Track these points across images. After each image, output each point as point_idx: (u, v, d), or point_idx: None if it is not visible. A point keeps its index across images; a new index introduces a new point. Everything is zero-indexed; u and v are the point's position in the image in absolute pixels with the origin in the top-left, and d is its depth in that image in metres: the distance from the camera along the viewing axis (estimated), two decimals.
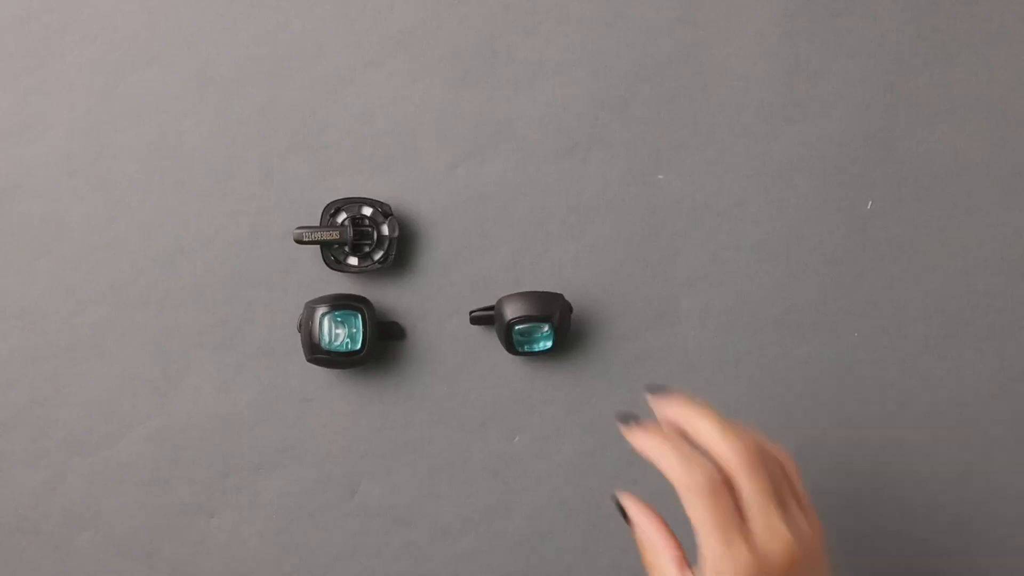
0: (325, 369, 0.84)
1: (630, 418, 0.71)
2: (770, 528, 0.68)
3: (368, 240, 0.83)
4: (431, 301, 0.85)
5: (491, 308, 0.83)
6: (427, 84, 0.84)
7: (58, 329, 0.84)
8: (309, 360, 0.82)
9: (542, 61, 0.85)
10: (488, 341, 0.84)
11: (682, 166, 0.85)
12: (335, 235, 0.81)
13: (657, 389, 0.71)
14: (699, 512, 0.67)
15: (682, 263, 0.85)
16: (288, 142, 0.84)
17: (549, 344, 0.82)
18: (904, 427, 0.86)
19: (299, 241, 0.81)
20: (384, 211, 0.83)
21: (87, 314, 0.84)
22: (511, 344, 0.82)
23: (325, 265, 0.83)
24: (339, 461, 0.85)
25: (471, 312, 0.83)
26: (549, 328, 0.82)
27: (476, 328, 0.85)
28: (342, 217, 0.83)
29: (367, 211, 0.83)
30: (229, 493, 0.85)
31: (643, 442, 0.70)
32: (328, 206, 0.83)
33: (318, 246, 0.83)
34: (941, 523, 0.86)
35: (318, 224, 0.83)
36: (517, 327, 0.81)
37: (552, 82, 0.85)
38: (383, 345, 0.84)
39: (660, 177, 0.85)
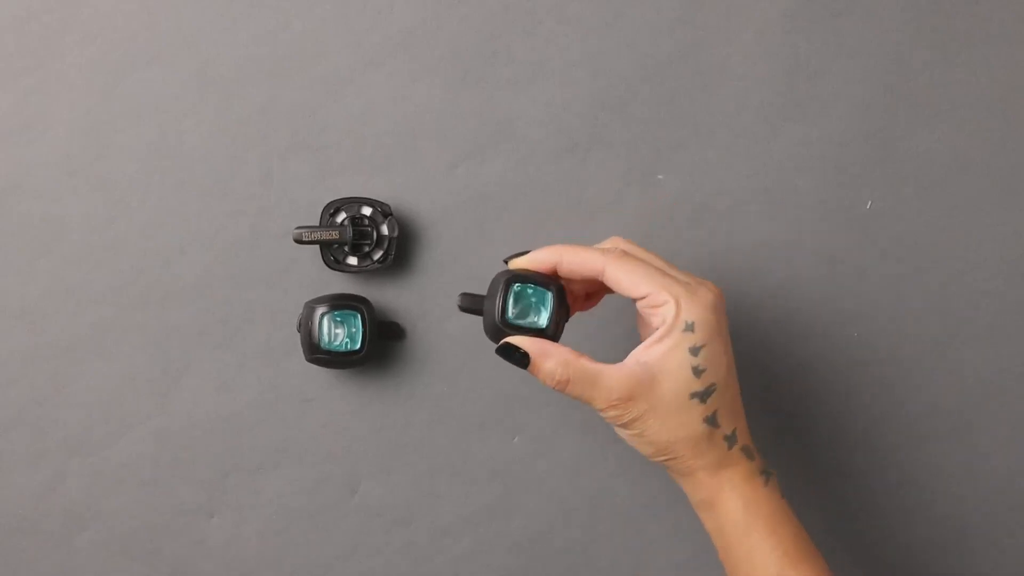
0: (325, 369, 0.84)
1: (511, 256, 0.73)
2: (692, 276, 0.72)
3: (368, 240, 0.83)
4: (431, 301, 0.85)
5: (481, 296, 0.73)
6: (427, 84, 0.84)
7: (58, 329, 0.84)
8: (309, 360, 0.82)
9: (542, 61, 0.85)
10: (488, 341, 0.84)
11: (682, 166, 0.85)
12: (335, 235, 0.81)
13: (512, 256, 0.73)
14: (642, 273, 0.70)
15: (682, 263, 0.85)
16: (288, 142, 0.84)
17: (545, 320, 0.71)
18: (904, 427, 0.86)
19: (298, 241, 0.81)
20: (384, 211, 0.83)
21: (87, 314, 0.84)
22: (504, 313, 0.71)
23: (325, 265, 0.83)
24: (339, 461, 0.85)
25: (460, 295, 0.74)
26: (550, 299, 0.71)
27: (476, 328, 0.85)
28: (342, 217, 0.83)
29: (367, 211, 0.83)
30: (229, 493, 0.85)
31: (545, 255, 0.71)
32: (328, 206, 0.83)
33: (318, 246, 0.83)
34: (941, 523, 0.86)
35: (318, 224, 0.83)
36: (516, 285, 0.71)
37: (552, 82, 0.85)
38: (383, 345, 0.84)
39: (660, 177, 0.85)
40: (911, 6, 0.85)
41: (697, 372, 0.69)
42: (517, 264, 0.72)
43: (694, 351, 0.68)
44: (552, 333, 0.71)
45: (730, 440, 0.70)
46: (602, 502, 0.85)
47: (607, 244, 0.73)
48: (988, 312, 0.86)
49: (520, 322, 0.71)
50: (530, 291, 0.71)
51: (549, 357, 0.69)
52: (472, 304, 0.73)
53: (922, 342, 0.86)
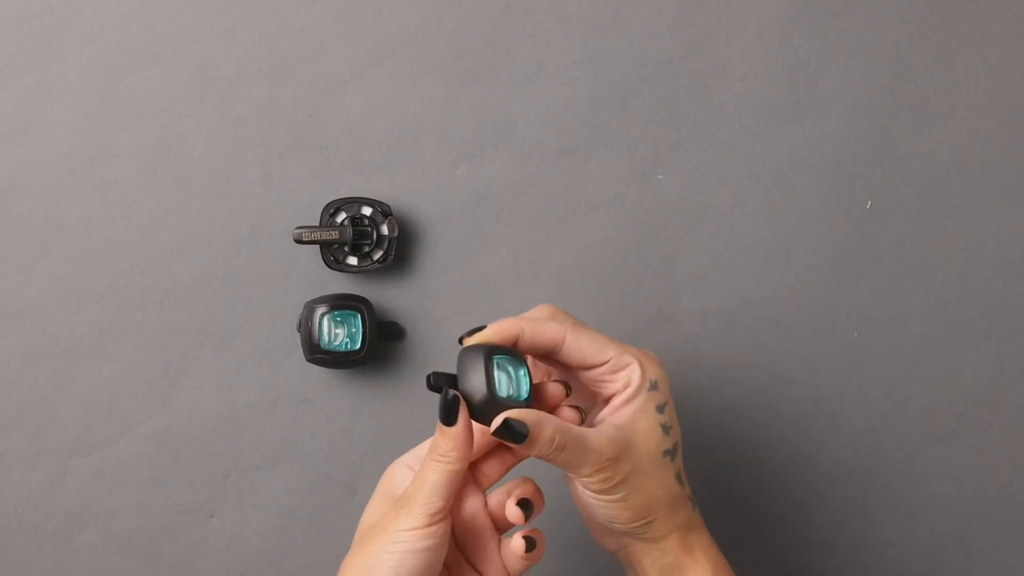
0: (325, 369, 0.84)
1: (466, 334, 0.68)
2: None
3: (368, 240, 0.83)
4: (431, 301, 0.85)
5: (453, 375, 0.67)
6: (427, 84, 0.84)
7: (58, 329, 0.84)
8: (309, 360, 0.82)
9: (542, 61, 0.85)
10: None
11: (682, 166, 0.85)
12: (335, 235, 0.81)
13: (469, 333, 0.68)
14: (599, 340, 0.68)
15: (682, 263, 0.85)
16: (288, 142, 0.84)
17: (526, 390, 0.67)
18: (904, 427, 0.86)
19: (298, 241, 0.81)
20: (384, 211, 0.83)
21: (87, 314, 0.84)
22: (493, 389, 0.65)
23: (325, 265, 0.83)
24: (339, 461, 0.85)
25: (431, 375, 0.67)
26: (526, 368, 0.68)
27: None
28: (342, 217, 0.83)
29: (367, 211, 0.83)
30: (229, 493, 0.85)
31: (507, 327, 0.67)
32: (328, 206, 0.83)
33: (318, 246, 0.83)
34: (941, 523, 0.86)
35: (318, 224, 0.83)
36: (496, 358, 0.66)
37: (552, 82, 0.85)
38: (383, 345, 0.84)
39: (660, 177, 0.85)
40: (911, 6, 0.85)
41: (666, 429, 0.68)
42: (482, 338, 0.67)
43: (660, 409, 0.68)
44: (530, 403, 0.67)
45: (692, 501, 0.70)
46: None
47: (537, 312, 0.70)
48: (988, 312, 0.86)
49: (504, 396, 0.66)
50: (507, 362, 0.67)
51: (545, 426, 0.64)
52: (446, 382, 0.67)
53: (922, 342, 0.86)
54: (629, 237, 0.85)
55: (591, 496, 0.67)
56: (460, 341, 0.69)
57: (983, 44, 0.85)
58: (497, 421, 0.64)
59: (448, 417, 0.66)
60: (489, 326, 0.68)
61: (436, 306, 0.85)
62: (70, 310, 0.84)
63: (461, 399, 0.66)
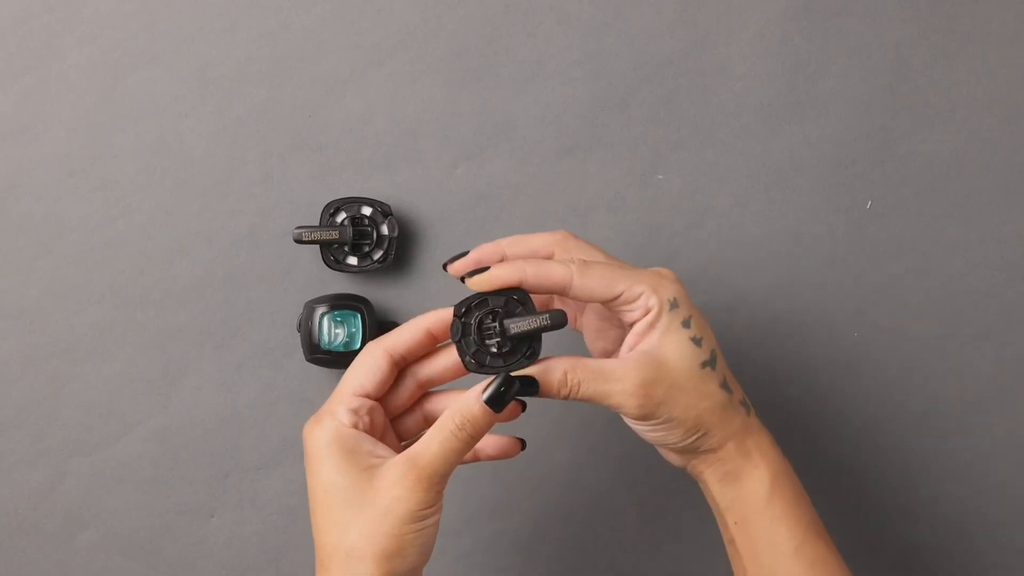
0: (325, 369, 0.84)
1: (457, 259, 0.70)
2: (648, 266, 0.70)
3: (368, 240, 0.83)
4: (431, 301, 0.85)
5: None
6: (427, 84, 0.84)
7: (58, 329, 0.84)
8: (309, 360, 0.82)
9: (542, 61, 0.85)
10: None
11: (682, 166, 0.85)
12: (335, 235, 0.81)
13: (457, 261, 0.70)
14: (609, 274, 0.67)
15: (682, 263, 0.85)
16: (288, 142, 0.84)
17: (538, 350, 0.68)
18: (904, 427, 0.86)
19: (298, 241, 0.81)
20: (384, 211, 0.83)
21: (87, 314, 0.84)
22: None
23: (325, 265, 0.83)
24: None
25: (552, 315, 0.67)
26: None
27: None
28: (342, 217, 0.83)
29: (367, 211, 0.83)
30: (229, 493, 0.85)
31: (508, 273, 0.67)
32: (328, 206, 0.83)
33: (318, 246, 0.83)
34: (941, 523, 0.86)
35: (318, 224, 0.83)
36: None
37: (552, 82, 0.85)
38: None
39: (660, 177, 0.85)
40: (911, 6, 0.85)
41: (697, 342, 0.68)
42: (478, 286, 0.67)
43: (686, 324, 0.68)
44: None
45: (745, 405, 0.70)
46: (602, 502, 0.85)
47: (554, 235, 0.71)
48: (988, 312, 0.86)
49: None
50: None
51: (552, 371, 0.66)
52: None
53: (922, 342, 0.86)
54: (629, 237, 0.85)
55: (637, 424, 0.68)
56: (444, 267, 0.70)
57: (983, 44, 0.85)
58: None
59: (501, 404, 0.66)
60: (492, 269, 0.67)
61: (436, 306, 0.84)
62: (70, 310, 0.84)
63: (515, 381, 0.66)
